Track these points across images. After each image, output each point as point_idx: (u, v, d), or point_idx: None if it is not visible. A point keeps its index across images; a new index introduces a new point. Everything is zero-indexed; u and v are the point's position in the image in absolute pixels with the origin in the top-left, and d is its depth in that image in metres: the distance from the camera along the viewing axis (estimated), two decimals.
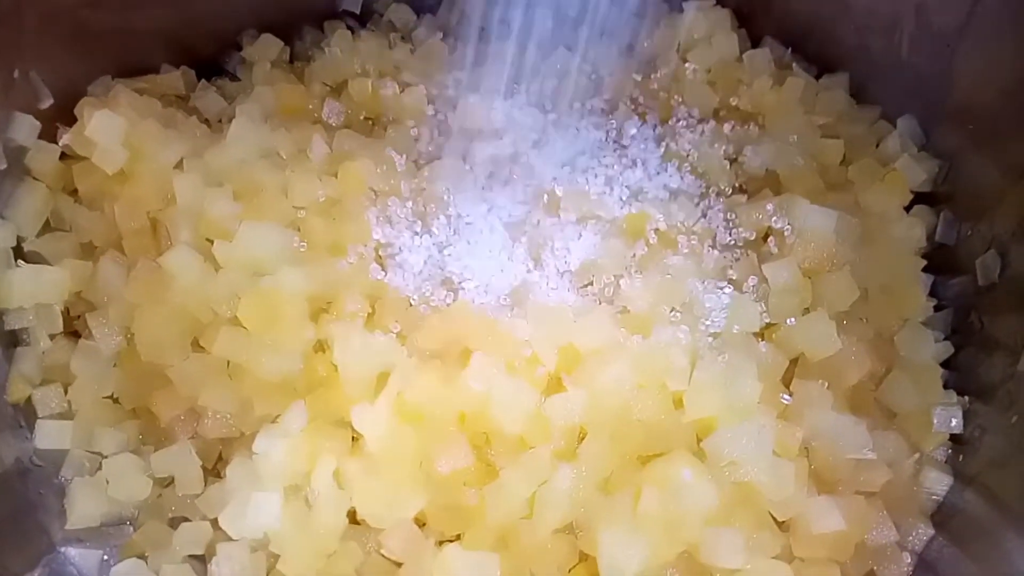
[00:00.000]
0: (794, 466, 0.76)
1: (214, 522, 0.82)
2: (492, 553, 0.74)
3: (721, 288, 0.88)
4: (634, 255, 0.90)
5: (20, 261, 0.89)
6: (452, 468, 0.76)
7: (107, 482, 0.85)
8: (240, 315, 0.83)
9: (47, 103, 0.92)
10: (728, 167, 0.99)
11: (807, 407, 0.81)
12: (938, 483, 0.86)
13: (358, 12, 1.15)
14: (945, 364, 0.92)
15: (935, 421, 0.87)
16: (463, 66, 1.07)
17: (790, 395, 0.83)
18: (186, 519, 0.85)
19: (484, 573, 0.72)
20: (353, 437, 0.81)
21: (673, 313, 0.85)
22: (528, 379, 0.79)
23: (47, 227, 0.92)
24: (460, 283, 0.88)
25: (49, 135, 0.93)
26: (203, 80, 1.06)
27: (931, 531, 0.83)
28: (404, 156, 0.97)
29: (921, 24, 0.98)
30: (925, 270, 0.95)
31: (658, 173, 0.97)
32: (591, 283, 0.89)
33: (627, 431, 0.77)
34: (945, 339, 0.93)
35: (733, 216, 0.94)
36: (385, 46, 1.11)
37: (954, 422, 0.87)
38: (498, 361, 0.80)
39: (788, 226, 0.91)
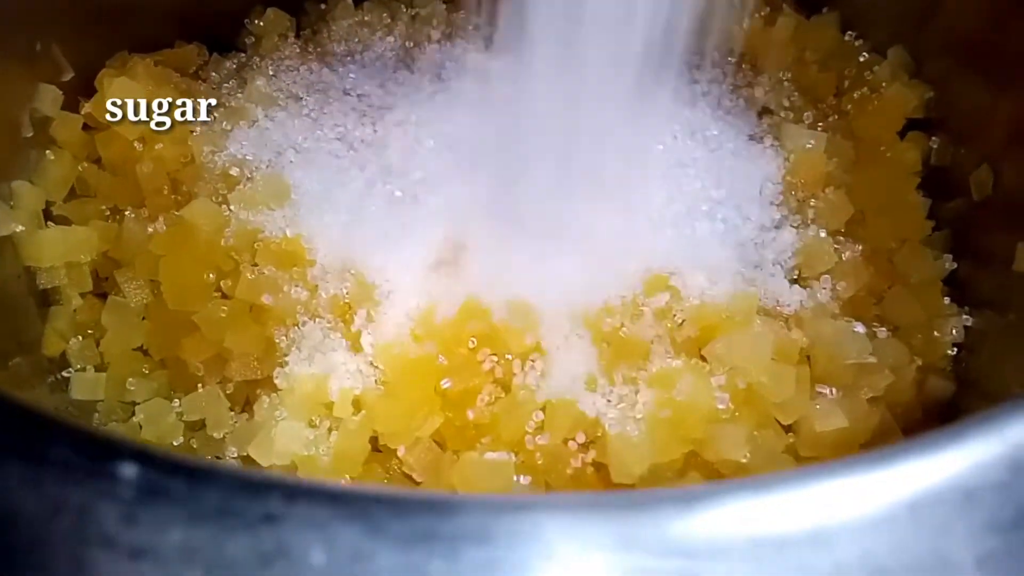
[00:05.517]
0: (795, 370, 0.78)
1: (244, 459, 0.86)
2: (507, 456, 0.77)
3: None
4: None
5: (50, 223, 0.94)
6: (463, 387, 0.79)
7: (140, 427, 0.89)
8: (258, 258, 0.87)
9: (68, 76, 0.96)
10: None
11: (807, 315, 0.83)
12: (942, 391, 0.88)
13: None
14: (945, 281, 0.94)
15: (936, 332, 0.89)
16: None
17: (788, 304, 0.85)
18: (218, 458, 0.88)
19: (500, 476, 0.75)
20: (371, 363, 0.84)
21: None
22: None
23: (73, 194, 0.97)
24: None
25: (71, 108, 0.97)
26: (215, 54, 1.10)
27: None
28: None
29: None
30: (924, 194, 0.98)
31: None
32: None
33: (633, 343, 0.80)
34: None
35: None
36: (388, 16, 1.15)
37: (955, 331, 0.89)
38: None
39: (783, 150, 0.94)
